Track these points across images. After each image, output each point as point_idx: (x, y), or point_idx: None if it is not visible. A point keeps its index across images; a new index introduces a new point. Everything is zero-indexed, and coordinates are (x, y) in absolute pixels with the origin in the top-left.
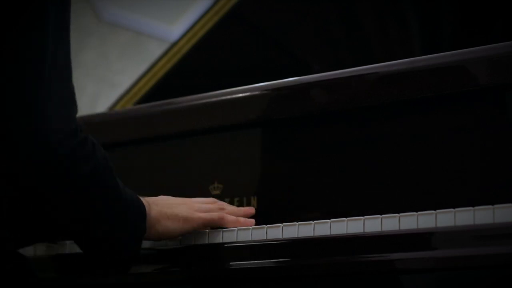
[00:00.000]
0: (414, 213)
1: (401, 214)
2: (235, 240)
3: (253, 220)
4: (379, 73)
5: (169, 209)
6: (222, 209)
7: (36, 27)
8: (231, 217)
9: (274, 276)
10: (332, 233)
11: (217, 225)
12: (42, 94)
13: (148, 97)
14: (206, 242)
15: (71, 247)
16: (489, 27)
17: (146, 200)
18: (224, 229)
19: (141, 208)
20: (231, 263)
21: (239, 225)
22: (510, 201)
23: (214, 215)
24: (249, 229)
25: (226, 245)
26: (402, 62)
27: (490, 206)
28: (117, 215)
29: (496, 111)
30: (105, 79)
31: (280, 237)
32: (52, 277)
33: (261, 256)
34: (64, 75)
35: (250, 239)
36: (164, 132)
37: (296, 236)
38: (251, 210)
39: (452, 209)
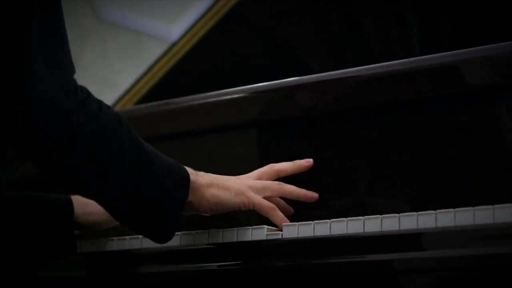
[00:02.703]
0: (414, 213)
1: (401, 214)
2: (235, 240)
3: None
4: (379, 73)
5: (221, 180)
6: (279, 188)
7: None
8: (280, 215)
9: (274, 276)
10: (332, 233)
11: (264, 214)
12: (29, 57)
13: (148, 97)
14: (206, 242)
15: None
16: (489, 27)
17: (195, 171)
18: (224, 229)
19: (182, 173)
20: (231, 263)
21: (286, 221)
22: (510, 201)
23: (266, 204)
24: (249, 229)
25: (226, 245)
26: (402, 62)
27: (490, 206)
28: (143, 181)
29: (496, 111)
30: (105, 79)
31: (280, 237)
32: (52, 277)
33: (260, 256)
34: (53, 37)
35: (250, 239)
36: (164, 132)
37: (296, 236)
38: (314, 194)
39: (452, 209)
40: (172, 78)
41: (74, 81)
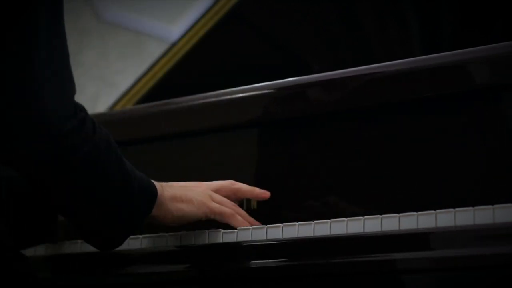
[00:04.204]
0: (414, 213)
1: (401, 214)
2: (235, 240)
3: (258, 223)
4: (379, 73)
5: (184, 192)
6: (236, 195)
7: (27, 8)
8: (240, 219)
9: (274, 276)
10: (332, 233)
11: (225, 221)
12: (36, 74)
13: (148, 97)
14: (206, 242)
15: (70, 247)
16: (489, 27)
17: (160, 184)
18: (224, 230)
19: (152, 188)
20: (231, 263)
21: (246, 225)
22: (510, 201)
23: (227, 210)
24: (249, 229)
25: (226, 245)
26: (402, 62)
27: (490, 206)
28: (124, 199)
29: (496, 111)
30: (105, 79)
31: (280, 237)
32: (52, 277)
33: (261, 256)
34: (59, 55)
35: (250, 239)
36: (164, 132)
37: (296, 236)
38: (265, 194)
39: (452, 209)
40: (172, 78)
41: (74, 100)
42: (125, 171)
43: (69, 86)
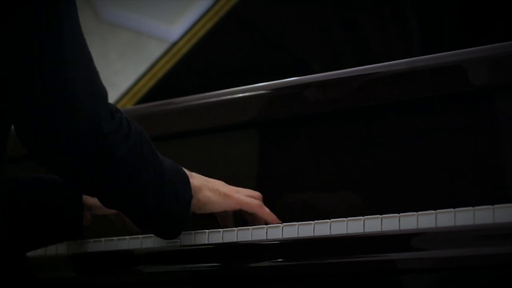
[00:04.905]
0: (414, 213)
1: (401, 214)
2: (235, 240)
3: (279, 220)
4: (379, 73)
5: (211, 183)
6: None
7: (50, 10)
8: (267, 210)
9: (274, 276)
10: (332, 233)
11: (250, 213)
12: (70, 77)
13: (148, 97)
14: (206, 242)
15: (71, 247)
16: (489, 27)
17: (189, 172)
18: (224, 229)
19: (184, 175)
20: (231, 263)
21: (273, 220)
22: (510, 201)
23: (254, 201)
24: (249, 229)
25: (226, 245)
26: (402, 62)
27: (490, 206)
28: (164, 184)
29: (496, 111)
30: (105, 79)
31: (280, 237)
32: (52, 277)
33: (261, 256)
34: (84, 56)
35: (250, 239)
36: (164, 132)
37: (296, 236)
38: (278, 220)
39: (452, 209)
40: (172, 78)
41: (108, 101)
42: (158, 160)
43: (101, 88)
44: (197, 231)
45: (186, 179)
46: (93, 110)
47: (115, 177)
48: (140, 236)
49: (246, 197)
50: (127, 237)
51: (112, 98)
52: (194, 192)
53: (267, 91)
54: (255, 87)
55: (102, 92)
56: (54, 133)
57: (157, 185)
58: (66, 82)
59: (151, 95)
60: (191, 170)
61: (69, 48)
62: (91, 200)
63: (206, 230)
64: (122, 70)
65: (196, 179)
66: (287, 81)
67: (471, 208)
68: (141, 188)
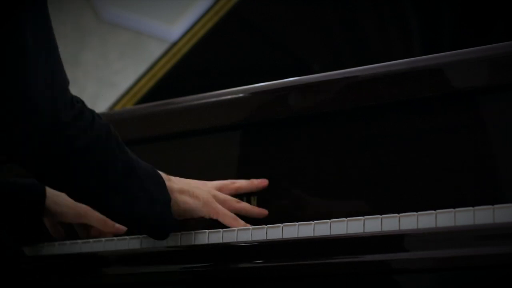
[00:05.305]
0: (414, 213)
1: (401, 214)
2: (235, 240)
3: (265, 211)
4: (379, 73)
5: (191, 187)
6: (237, 192)
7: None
8: (242, 223)
9: (274, 276)
10: (332, 233)
11: (226, 223)
12: (28, 68)
13: (148, 97)
14: (206, 242)
15: (70, 247)
16: (489, 27)
17: (167, 175)
18: (224, 229)
19: (159, 177)
20: (231, 263)
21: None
22: (510, 201)
23: (230, 215)
24: (249, 229)
25: (226, 245)
26: (402, 62)
27: (490, 206)
28: (134, 184)
29: (496, 111)
30: (105, 79)
31: (280, 237)
32: (50, 277)
33: (261, 256)
34: (46, 46)
35: (250, 239)
36: (164, 132)
37: (296, 236)
38: (264, 212)
39: (452, 209)
40: (172, 78)
41: (69, 92)
42: (127, 158)
43: (61, 78)
44: (197, 231)
45: (162, 182)
46: (51, 100)
47: (78, 169)
48: (140, 236)
49: (223, 209)
50: (115, 238)
51: (112, 98)
52: (173, 196)
53: (267, 91)
54: (255, 87)
55: (62, 83)
56: (12, 124)
57: (127, 184)
58: (24, 74)
59: (151, 95)
60: (191, 170)
61: (29, 41)
62: (54, 207)
63: (206, 230)
64: (122, 70)
65: (175, 183)
66: (287, 81)
67: (471, 208)
68: (108, 185)
